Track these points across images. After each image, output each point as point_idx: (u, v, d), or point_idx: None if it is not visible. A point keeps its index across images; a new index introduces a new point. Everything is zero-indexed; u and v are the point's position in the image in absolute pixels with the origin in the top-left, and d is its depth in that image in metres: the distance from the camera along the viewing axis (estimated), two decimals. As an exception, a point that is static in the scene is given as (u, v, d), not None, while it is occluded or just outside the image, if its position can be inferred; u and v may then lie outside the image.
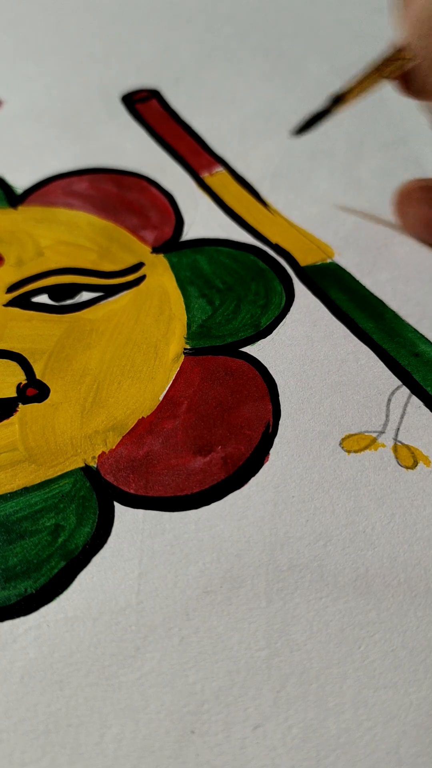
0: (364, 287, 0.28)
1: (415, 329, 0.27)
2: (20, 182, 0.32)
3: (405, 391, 0.25)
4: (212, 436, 0.24)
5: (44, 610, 0.21)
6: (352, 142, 0.34)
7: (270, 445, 0.24)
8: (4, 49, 0.40)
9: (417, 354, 0.26)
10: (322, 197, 0.32)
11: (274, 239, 0.30)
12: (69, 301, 0.28)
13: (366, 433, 0.24)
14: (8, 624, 0.20)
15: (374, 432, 0.24)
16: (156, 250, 0.30)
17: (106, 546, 0.22)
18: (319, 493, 0.23)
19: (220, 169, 0.33)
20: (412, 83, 0.25)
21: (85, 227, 0.30)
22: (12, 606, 0.21)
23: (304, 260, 0.29)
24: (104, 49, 0.39)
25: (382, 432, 0.24)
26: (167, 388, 0.25)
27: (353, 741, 0.19)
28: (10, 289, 0.28)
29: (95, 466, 0.23)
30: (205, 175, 0.33)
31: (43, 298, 0.28)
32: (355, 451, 0.24)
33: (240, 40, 0.40)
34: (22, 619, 0.20)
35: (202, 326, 0.27)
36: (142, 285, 0.28)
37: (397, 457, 0.24)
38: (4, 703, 0.19)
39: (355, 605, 0.21)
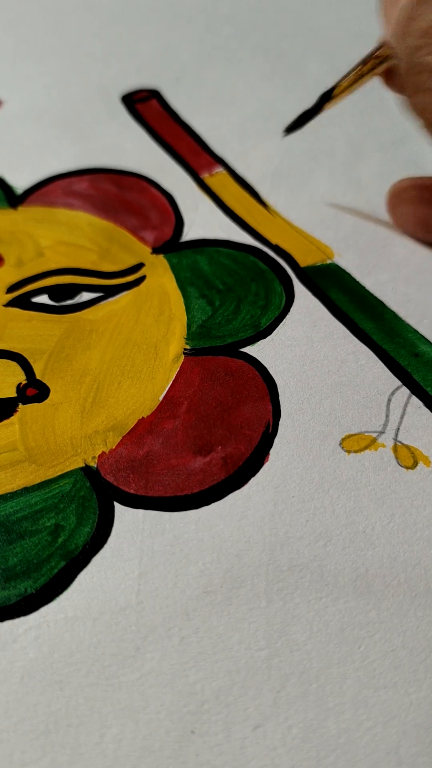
0: (363, 288, 0.28)
1: (415, 330, 0.27)
2: (20, 182, 0.32)
3: (405, 391, 0.25)
4: (212, 437, 0.24)
5: (44, 610, 0.21)
6: (352, 142, 0.34)
7: (270, 445, 0.24)
8: (4, 49, 0.40)
9: (417, 354, 0.26)
10: (322, 198, 0.32)
11: (274, 240, 0.30)
12: (69, 302, 0.28)
13: (366, 434, 0.24)
14: (8, 624, 0.20)
15: (374, 432, 0.24)
16: (156, 250, 0.30)
17: (106, 546, 0.22)
18: (319, 493, 0.23)
19: (220, 169, 0.33)
20: (393, 80, 0.26)
21: (86, 228, 0.30)
22: (12, 606, 0.21)
23: (304, 261, 0.29)
24: (104, 49, 0.39)
25: (382, 432, 0.24)
26: (167, 389, 0.25)
27: (353, 741, 0.19)
28: (10, 290, 0.28)
29: (95, 466, 0.23)
30: (205, 176, 0.33)
31: (43, 299, 0.28)
32: (355, 451, 0.24)
33: (240, 40, 0.40)
34: (22, 619, 0.20)
35: (202, 327, 0.27)
36: (142, 285, 0.29)
37: (397, 457, 0.24)
38: (4, 703, 0.19)
39: (355, 605, 0.21)
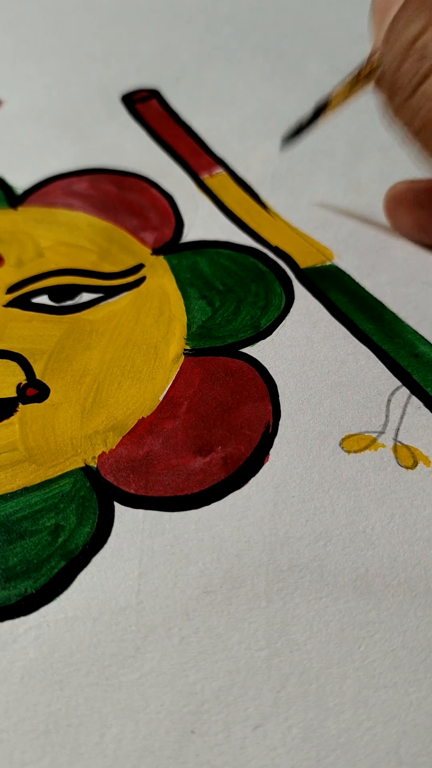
0: (363, 289, 0.28)
1: (414, 330, 0.27)
2: (20, 182, 0.32)
3: (405, 391, 0.25)
4: (212, 437, 0.24)
5: (44, 610, 0.21)
6: (351, 144, 0.34)
7: (270, 445, 0.24)
8: (4, 49, 0.40)
9: (417, 355, 0.26)
10: (322, 199, 0.32)
11: (273, 242, 0.30)
12: (69, 302, 0.28)
13: (366, 434, 0.24)
14: (8, 624, 0.20)
15: (374, 432, 0.24)
16: (156, 251, 0.30)
17: (106, 546, 0.22)
18: (319, 493, 0.23)
19: (220, 170, 0.33)
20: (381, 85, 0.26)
21: (85, 228, 0.30)
22: (12, 606, 0.21)
23: (303, 263, 0.29)
24: (104, 49, 0.39)
25: (382, 432, 0.24)
26: (167, 389, 0.25)
27: (353, 741, 0.19)
28: (10, 290, 0.28)
29: (95, 466, 0.23)
30: (205, 177, 0.33)
31: (44, 299, 0.28)
32: (355, 452, 0.24)
33: (240, 40, 0.40)
34: (22, 619, 0.20)
35: (202, 327, 0.27)
36: (142, 286, 0.29)
37: (397, 458, 0.24)
38: (4, 703, 0.19)
39: (355, 605, 0.21)
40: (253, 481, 0.23)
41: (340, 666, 0.20)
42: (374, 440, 0.24)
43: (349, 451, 0.24)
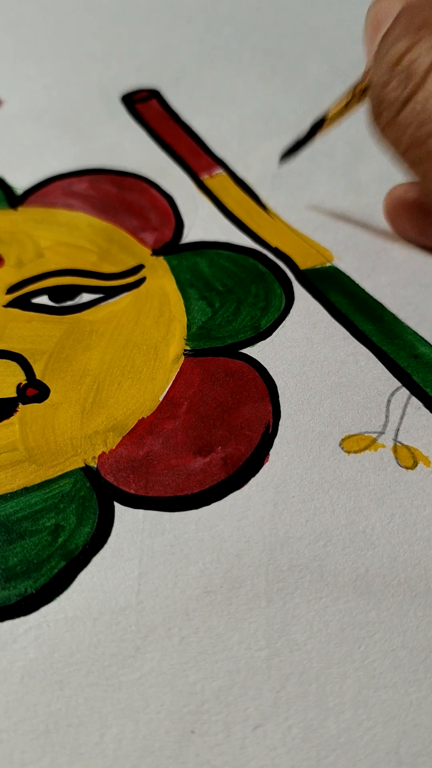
0: (363, 290, 0.28)
1: (414, 331, 0.27)
2: (20, 183, 0.32)
3: (404, 392, 0.25)
4: (212, 437, 0.24)
5: (44, 610, 0.21)
6: (352, 144, 0.34)
7: (270, 445, 0.24)
8: (4, 49, 0.40)
9: (416, 356, 0.26)
10: (322, 200, 0.32)
11: (273, 243, 0.30)
12: (69, 303, 0.28)
13: (366, 434, 0.24)
14: (8, 624, 0.20)
15: (374, 433, 0.24)
16: (156, 252, 0.30)
17: (106, 546, 0.22)
18: (319, 493, 0.23)
19: (219, 171, 0.33)
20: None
21: (85, 228, 0.30)
22: (12, 606, 0.21)
23: (303, 264, 0.29)
24: (104, 49, 0.39)
25: (381, 433, 0.24)
26: (167, 389, 0.25)
27: (353, 741, 0.19)
28: (10, 290, 0.28)
29: (95, 466, 0.23)
30: (205, 177, 0.33)
31: (44, 299, 0.28)
32: (355, 452, 0.24)
33: (240, 40, 0.40)
34: (22, 619, 0.20)
35: (202, 328, 0.27)
36: (142, 287, 0.29)
37: (396, 458, 0.24)
38: (4, 703, 0.19)
39: (355, 605, 0.21)
40: (253, 481, 0.23)
41: (340, 666, 0.20)
42: (374, 440, 0.24)
43: (349, 452, 0.24)
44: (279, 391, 0.25)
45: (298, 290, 0.28)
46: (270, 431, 0.24)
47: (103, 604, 0.21)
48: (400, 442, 0.24)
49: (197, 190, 0.32)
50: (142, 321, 0.27)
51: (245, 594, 0.21)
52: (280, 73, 0.38)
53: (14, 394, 0.25)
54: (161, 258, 0.30)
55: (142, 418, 0.25)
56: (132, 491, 0.23)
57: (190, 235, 0.30)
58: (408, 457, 0.24)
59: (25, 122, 0.35)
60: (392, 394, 0.25)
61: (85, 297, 0.28)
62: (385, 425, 0.24)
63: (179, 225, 0.31)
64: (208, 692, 0.19)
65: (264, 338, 0.27)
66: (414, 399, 0.25)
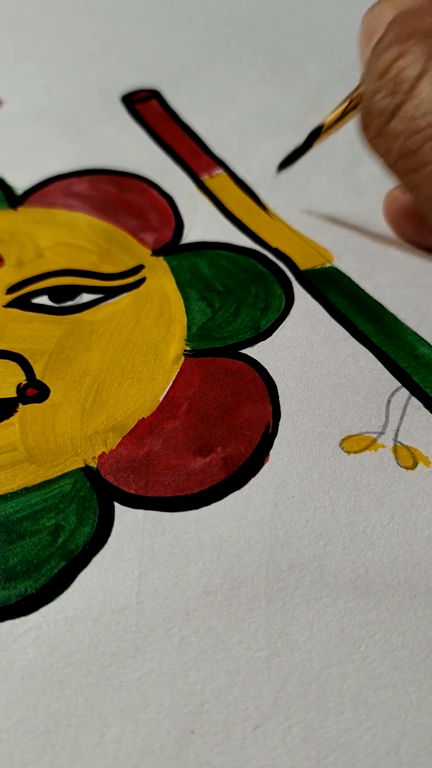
0: (363, 291, 0.28)
1: (414, 332, 0.27)
2: (20, 183, 0.32)
3: (404, 392, 0.25)
4: (212, 437, 0.24)
5: (44, 610, 0.21)
6: (351, 145, 0.34)
7: (270, 445, 0.24)
8: (4, 49, 0.40)
9: (416, 356, 0.26)
10: (322, 201, 0.32)
11: (273, 243, 0.30)
12: (69, 303, 0.28)
13: (366, 434, 0.24)
14: (8, 624, 0.20)
15: (374, 433, 0.24)
16: (156, 252, 0.30)
17: (106, 546, 0.22)
18: (319, 493, 0.23)
19: (219, 171, 0.33)
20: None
21: (85, 229, 0.30)
22: (12, 606, 0.21)
23: (303, 264, 0.29)
24: (104, 49, 0.39)
25: (381, 433, 0.24)
26: (167, 389, 0.25)
27: (353, 741, 0.19)
28: (10, 290, 0.28)
29: (95, 466, 0.23)
30: (205, 178, 0.33)
31: (44, 300, 0.28)
32: (355, 452, 0.24)
33: (240, 40, 0.40)
34: (22, 619, 0.20)
35: (202, 328, 0.27)
36: (142, 287, 0.29)
37: (396, 458, 0.24)
38: (4, 703, 0.19)
39: (355, 605, 0.21)
40: (253, 481, 0.23)
41: (340, 666, 0.20)
42: (374, 441, 0.24)
43: (349, 452, 0.24)
44: (279, 392, 0.25)
45: (298, 291, 0.28)
46: (270, 431, 0.24)
47: (103, 604, 0.21)
48: (400, 443, 0.24)
49: (197, 190, 0.32)
50: (142, 321, 0.27)
51: (245, 594, 0.21)
52: (280, 73, 0.38)
53: (14, 394, 0.25)
54: (161, 258, 0.30)
55: (142, 418, 0.25)
56: (132, 491, 0.23)
57: (190, 236, 0.30)
58: (408, 458, 0.24)
59: (25, 122, 0.35)
60: (392, 395, 0.25)
61: (85, 297, 0.28)
62: (385, 425, 0.24)
63: (179, 225, 0.31)
64: (208, 692, 0.19)
65: (264, 339, 0.27)
66: (414, 399, 0.25)
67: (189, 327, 0.27)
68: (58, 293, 0.28)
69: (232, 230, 0.30)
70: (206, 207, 0.31)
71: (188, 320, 0.27)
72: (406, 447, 0.24)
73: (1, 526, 0.22)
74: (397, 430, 0.24)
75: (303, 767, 0.18)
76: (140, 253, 0.30)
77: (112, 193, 0.32)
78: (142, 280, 0.29)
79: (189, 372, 0.26)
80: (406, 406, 0.25)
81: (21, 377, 0.26)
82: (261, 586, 0.21)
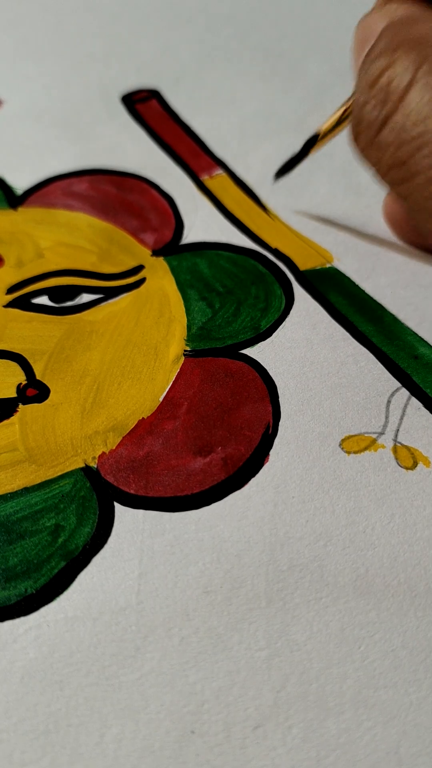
0: (363, 291, 0.28)
1: (414, 332, 0.27)
2: (20, 183, 0.32)
3: (404, 392, 0.25)
4: (212, 437, 0.24)
5: (44, 610, 0.21)
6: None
7: (270, 446, 0.24)
8: (4, 49, 0.40)
9: (416, 356, 0.26)
10: (322, 201, 0.32)
11: (273, 244, 0.30)
12: (69, 303, 0.28)
13: (366, 434, 0.24)
14: (8, 624, 0.20)
15: (374, 433, 0.24)
16: (156, 252, 0.30)
17: (106, 546, 0.22)
18: (319, 493, 0.23)
19: (219, 171, 0.33)
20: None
21: (85, 229, 0.30)
22: (12, 606, 0.21)
23: (303, 265, 0.29)
24: (104, 49, 0.39)
25: (381, 433, 0.24)
26: (167, 390, 0.25)
27: (353, 741, 0.19)
28: (10, 290, 0.28)
29: (95, 466, 0.23)
30: (205, 178, 0.33)
31: (44, 300, 0.28)
32: (355, 452, 0.24)
33: (240, 40, 0.40)
34: (22, 619, 0.20)
35: (202, 328, 0.27)
36: (143, 287, 0.29)
37: (396, 458, 0.24)
38: (4, 703, 0.19)
39: (355, 605, 0.21)
40: (253, 481, 0.23)
41: (340, 666, 0.20)
42: (374, 441, 0.24)
43: (349, 452, 0.24)
44: (279, 392, 0.25)
45: (298, 291, 0.28)
46: (270, 432, 0.24)
47: (103, 604, 0.21)
48: (400, 443, 0.24)
49: (197, 190, 0.32)
50: (142, 321, 0.27)
51: (245, 594, 0.21)
52: (280, 73, 0.38)
53: (14, 395, 0.25)
54: (161, 259, 0.30)
55: (142, 418, 0.25)
56: (132, 491, 0.23)
57: (190, 236, 0.30)
58: (408, 458, 0.24)
59: (25, 122, 0.35)
60: (392, 395, 0.25)
61: (85, 297, 0.28)
62: (384, 426, 0.24)
63: (179, 225, 0.31)
64: (208, 692, 0.19)
65: (264, 339, 0.27)
66: (414, 399, 0.25)
67: (189, 327, 0.27)
68: (58, 293, 0.28)
69: (232, 230, 0.30)
70: (206, 207, 0.31)
71: (188, 320, 0.27)
72: (406, 447, 0.24)
73: (1, 526, 0.22)
74: (397, 430, 0.24)
75: (303, 767, 0.18)
76: (140, 253, 0.30)
77: (112, 193, 0.32)
78: (142, 281, 0.29)
79: (189, 372, 0.26)
80: (406, 406, 0.25)
81: (21, 377, 0.26)
82: (261, 586, 0.21)
